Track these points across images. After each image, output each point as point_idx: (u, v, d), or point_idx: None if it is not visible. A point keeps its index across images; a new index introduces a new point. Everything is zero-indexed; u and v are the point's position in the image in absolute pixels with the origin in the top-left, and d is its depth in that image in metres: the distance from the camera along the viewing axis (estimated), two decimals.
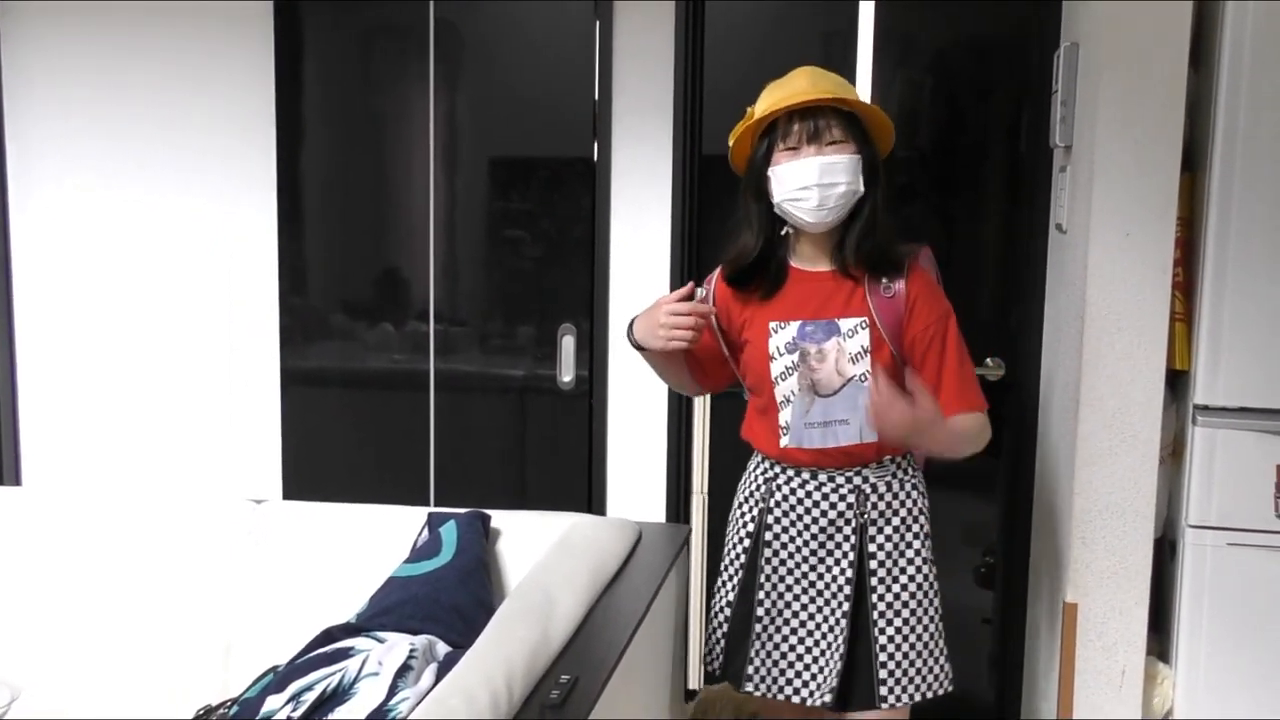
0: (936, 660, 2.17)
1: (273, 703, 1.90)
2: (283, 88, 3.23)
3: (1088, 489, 2.47)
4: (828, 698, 2.12)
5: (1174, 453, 2.61)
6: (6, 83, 3.37)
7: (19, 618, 2.42)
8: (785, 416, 2.12)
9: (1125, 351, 2.43)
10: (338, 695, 1.88)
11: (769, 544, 2.18)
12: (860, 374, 2.07)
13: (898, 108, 2.99)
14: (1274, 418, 2.45)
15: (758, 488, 2.21)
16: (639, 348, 2.17)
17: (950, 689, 2.18)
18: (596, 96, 3.08)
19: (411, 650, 1.94)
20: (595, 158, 3.11)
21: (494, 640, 1.72)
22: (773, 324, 2.12)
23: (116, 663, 2.34)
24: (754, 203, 2.13)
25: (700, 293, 2.19)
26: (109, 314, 3.41)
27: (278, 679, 1.98)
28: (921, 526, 2.16)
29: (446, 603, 2.11)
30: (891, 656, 2.12)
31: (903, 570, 2.14)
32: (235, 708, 2.04)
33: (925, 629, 2.15)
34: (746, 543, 2.21)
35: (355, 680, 1.89)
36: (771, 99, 2.08)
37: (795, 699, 2.17)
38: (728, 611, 2.23)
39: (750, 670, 2.19)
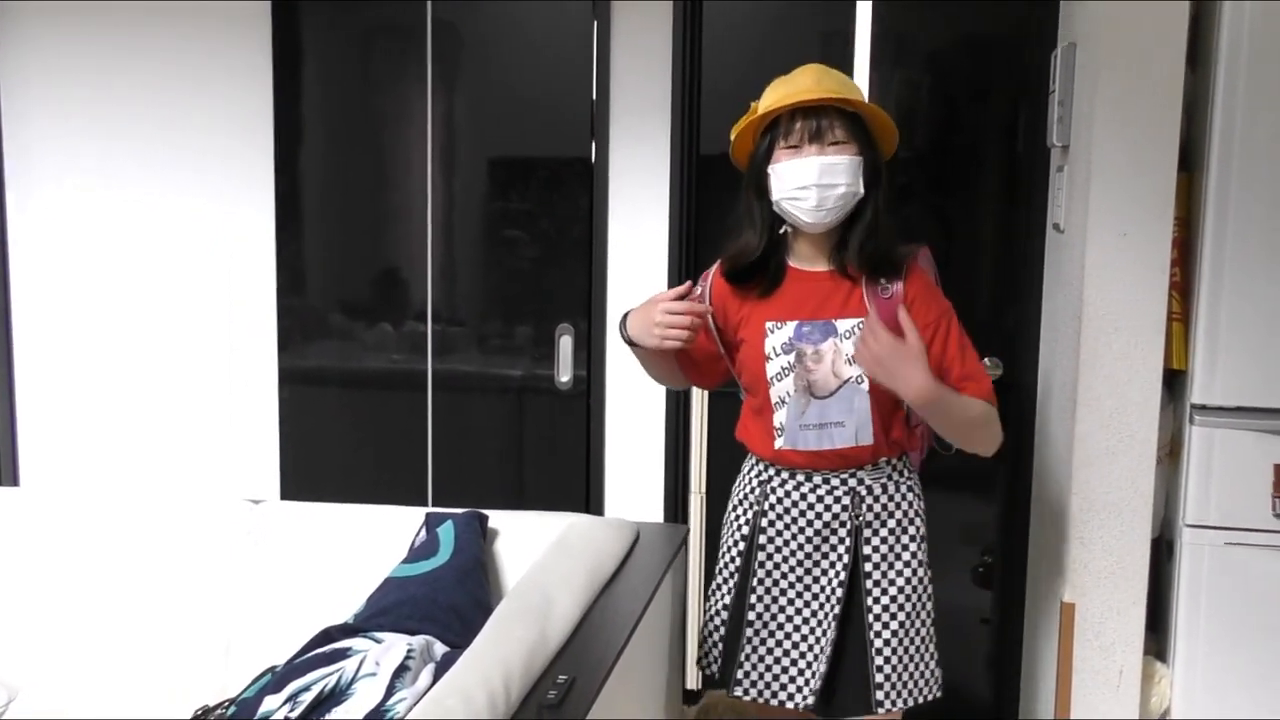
0: (929, 665, 2.16)
1: (270, 703, 1.90)
2: (281, 88, 3.23)
3: (1085, 489, 2.47)
4: (810, 700, 2.10)
5: (1171, 452, 2.61)
6: (5, 83, 3.37)
7: (17, 618, 2.42)
8: (780, 418, 2.10)
9: (1123, 351, 2.43)
10: (335, 695, 1.88)
11: (763, 547, 2.16)
12: (857, 376, 2.06)
13: (895, 107, 2.98)
14: (1271, 417, 2.45)
15: (752, 490, 2.19)
16: (631, 343, 2.14)
17: (940, 695, 2.17)
18: (594, 97, 3.07)
19: (409, 650, 1.94)
20: (593, 158, 3.10)
21: (491, 640, 1.72)
22: (769, 323, 2.10)
23: (114, 663, 2.34)
24: (756, 200, 2.10)
25: (697, 290, 2.16)
26: (107, 314, 3.41)
27: (275, 679, 1.98)
28: (917, 529, 2.15)
29: (444, 603, 2.10)
30: (888, 660, 2.10)
31: (899, 573, 2.12)
32: (233, 708, 2.04)
33: (919, 633, 2.14)
34: (741, 546, 2.19)
35: (353, 680, 1.89)
36: (775, 95, 2.05)
37: (790, 704, 2.15)
38: (723, 615, 2.21)
39: (740, 675, 2.17)
